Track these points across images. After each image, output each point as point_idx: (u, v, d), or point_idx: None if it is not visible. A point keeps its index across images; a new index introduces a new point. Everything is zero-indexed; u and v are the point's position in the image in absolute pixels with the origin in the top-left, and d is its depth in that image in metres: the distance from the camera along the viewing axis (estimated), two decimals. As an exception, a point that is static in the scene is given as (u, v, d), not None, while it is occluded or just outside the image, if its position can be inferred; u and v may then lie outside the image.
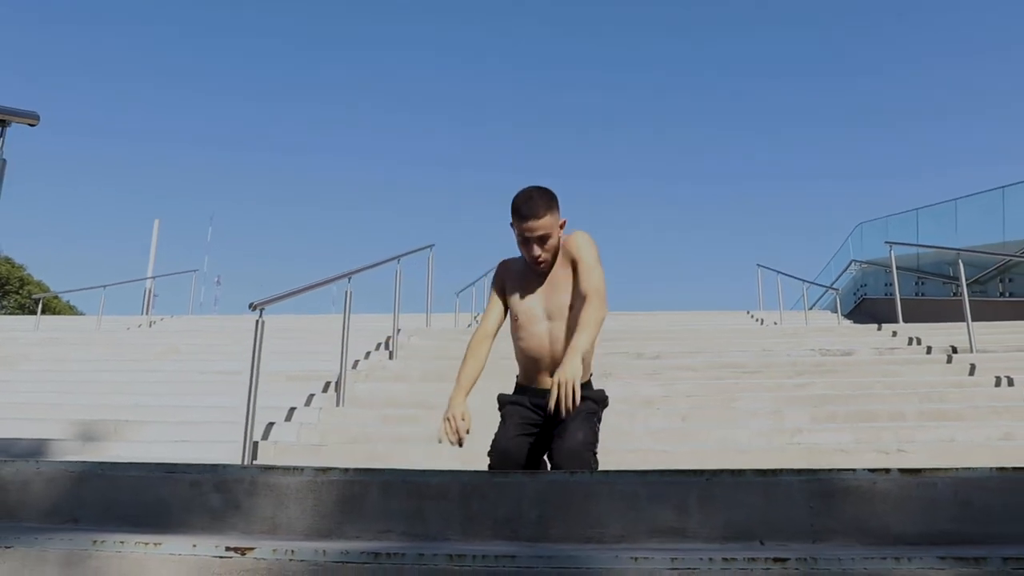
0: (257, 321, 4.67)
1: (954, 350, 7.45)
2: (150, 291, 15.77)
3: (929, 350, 7.54)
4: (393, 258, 7.57)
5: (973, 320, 7.94)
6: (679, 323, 12.62)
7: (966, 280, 9.46)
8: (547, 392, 2.87)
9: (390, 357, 7.48)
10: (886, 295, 13.32)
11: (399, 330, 8.27)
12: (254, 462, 4.57)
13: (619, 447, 4.84)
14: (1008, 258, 10.04)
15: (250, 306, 4.69)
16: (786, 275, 13.69)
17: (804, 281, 13.47)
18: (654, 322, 12.59)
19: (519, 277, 3.24)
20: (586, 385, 3.25)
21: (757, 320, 13.47)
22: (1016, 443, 4.89)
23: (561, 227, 3.13)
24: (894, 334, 8.40)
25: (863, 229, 15.20)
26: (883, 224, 14.37)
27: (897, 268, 12.69)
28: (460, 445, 3.09)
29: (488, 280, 13.01)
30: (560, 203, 3.13)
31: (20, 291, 30.45)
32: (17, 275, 31.17)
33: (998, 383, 6.29)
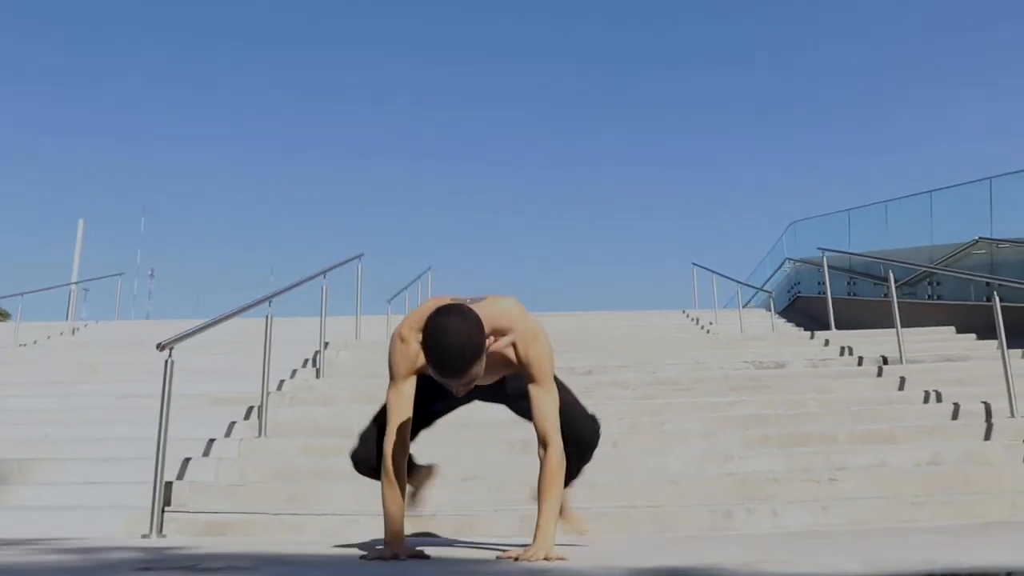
0: (166, 362, 4.44)
1: (885, 361, 7.50)
2: (73, 295, 15.23)
3: (861, 361, 7.57)
4: (319, 273, 7.35)
5: (904, 322, 8.02)
6: (614, 326, 12.59)
7: (896, 282, 9.58)
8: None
9: (317, 376, 7.28)
10: (819, 294, 13.44)
11: (327, 344, 8.07)
12: (166, 508, 4.33)
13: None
14: (932, 270, 10.14)
15: (158, 346, 4.46)
16: (720, 275, 13.76)
17: (738, 282, 13.54)
18: (589, 326, 12.54)
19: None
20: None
21: (693, 320, 13.51)
22: (943, 468, 4.89)
23: (489, 345, 2.74)
24: (826, 343, 8.45)
25: (796, 228, 15.35)
26: (816, 223, 14.53)
27: (830, 268, 12.83)
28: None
29: (420, 284, 12.89)
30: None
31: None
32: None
33: (926, 399, 6.33)
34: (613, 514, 4.18)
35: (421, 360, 2.79)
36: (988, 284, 6.47)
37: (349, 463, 4.99)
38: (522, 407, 3.07)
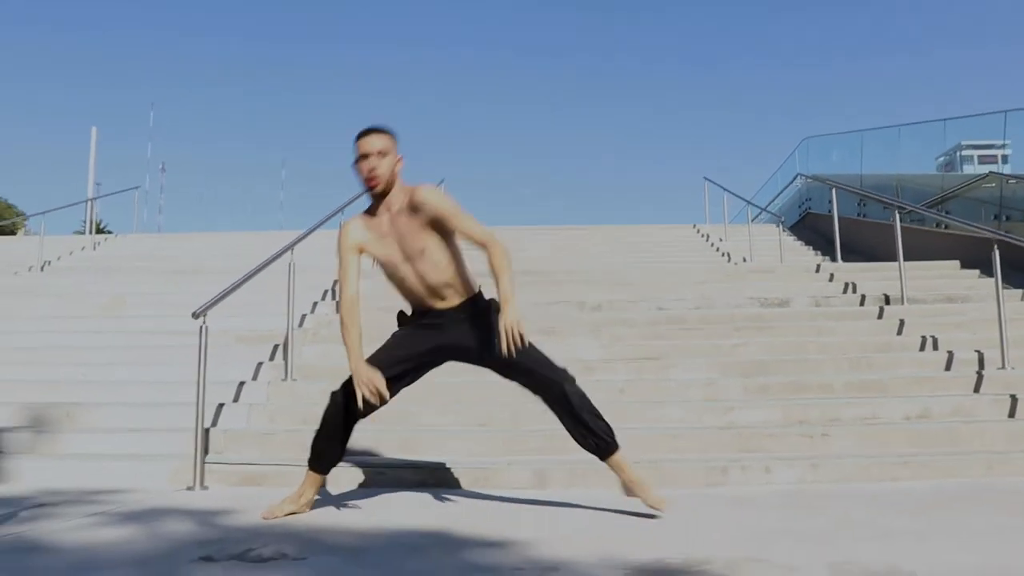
0: (200, 328, 4.70)
1: (887, 300, 7.73)
2: (91, 209, 15.50)
3: (863, 300, 7.81)
4: (336, 211, 7.57)
5: (911, 250, 8.21)
6: (627, 244, 12.83)
7: (902, 210, 9.73)
8: (440, 311, 3.60)
9: (336, 309, 7.55)
10: (829, 212, 13.57)
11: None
12: (205, 460, 4.67)
13: (555, 428, 5.05)
14: (942, 194, 10.27)
15: (193, 315, 4.72)
16: (731, 192, 13.89)
17: (747, 202, 13.65)
18: (599, 241, 12.78)
19: (366, 232, 3.58)
20: (479, 298, 3.70)
21: (703, 236, 13.74)
22: (930, 424, 5.19)
23: (398, 162, 3.53)
24: (831, 278, 8.66)
25: (809, 144, 15.37)
26: (829, 141, 14.53)
27: (840, 188, 12.93)
28: (383, 401, 3.50)
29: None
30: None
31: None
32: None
33: (923, 345, 6.58)
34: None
35: (356, 236, 3.57)
36: (991, 236, 6.58)
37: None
38: (511, 374, 3.67)
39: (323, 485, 3.91)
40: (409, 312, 3.80)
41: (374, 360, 3.59)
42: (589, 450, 3.68)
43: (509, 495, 4.25)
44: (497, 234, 3.57)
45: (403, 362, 3.66)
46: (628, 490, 3.66)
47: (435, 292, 3.61)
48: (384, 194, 3.55)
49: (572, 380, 3.67)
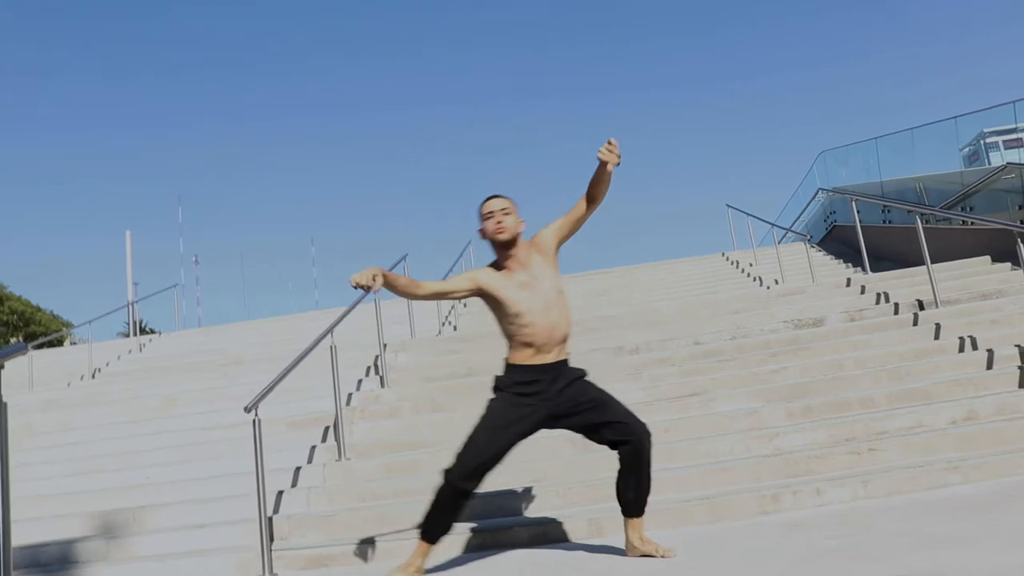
0: (254, 421, 4.88)
1: (920, 306, 7.76)
2: (133, 312, 15.96)
3: (896, 309, 7.84)
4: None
5: (939, 250, 8.24)
6: (656, 279, 12.95)
7: (931, 205, 9.77)
8: (552, 364, 3.74)
9: (381, 384, 7.74)
10: (855, 223, 13.61)
11: (385, 345, 8.55)
12: (273, 545, 4.82)
13: (608, 476, 5.15)
14: (963, 191, 10.31)
15: (245, 409, 4.90)
16: (755, 217, 14.00)
17: (771, 224, 13.75)
18: (630, 282, 12.89)
19: (494, 275, 3.82)
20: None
21: (732, 263, 13.82)
22: (976, 426, 5.21)
23: (520, 222, 3.83)
24: (862, 290, 8.70)
25: (826, 157, 15.43)
26: (844, 152, 14.60)
27: (862, 197, 12.97)
28: (367, 291, 3.68)
29: (465, 261, 13.32)
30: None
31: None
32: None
33: (961, 347, 6.61)
34: (671, 509, 4.56)
35: (480, 274, 3.83)
36: (1014, 229, 6.63)
37: (427, 481, 5.48)
38: (600, 428, 3.81)
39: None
40: (517, 372, 3.83)
41: (485, 442, 3.74)
42: (627, 504, 3.85)
43: (569, 546, 4.35)
44: None
45: (510, 446, 3.79)
46: (636, 546, 3.82)
47: (562, 341, 3.82)
48: (511, 245, 3.80)
49: (649, 434, 3.83)
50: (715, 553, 3.69)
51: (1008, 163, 9.86)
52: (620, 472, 3.83)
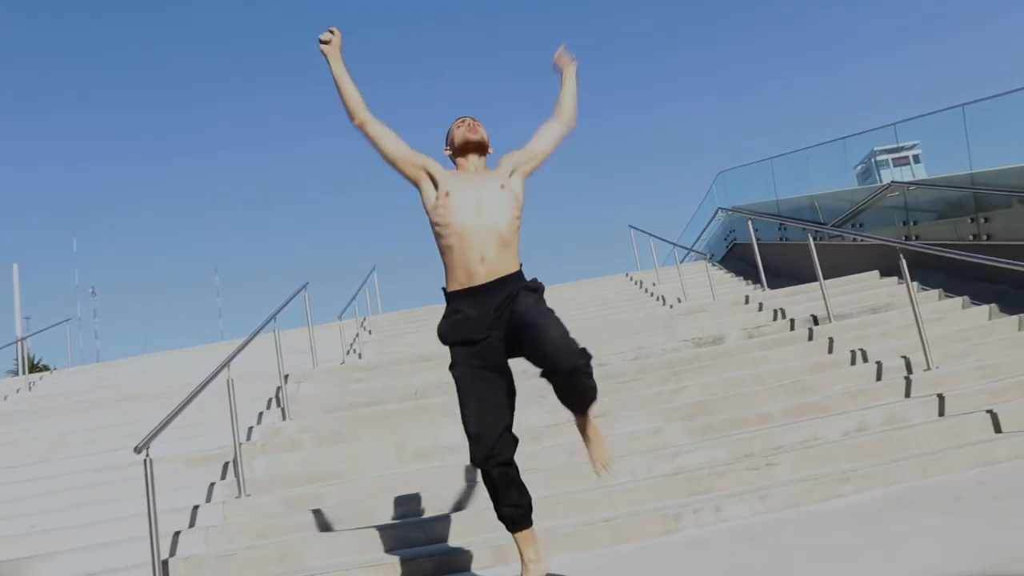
0: (145, 461, 4.71)
1: (815, 321, 7.99)
2: (22, 348, 15.32)
3: (792, 324, 8.05)
4: (269, 319, 7.63)
5: (833, 265, 8.53)
6: (561, 300, 13.02)
7: (825, 223, 10.11)
8: (488, 286, 3.44)
9: (283, 416, 7.58)
10: (756, 239, 13.99)
11: (287, 376, 8.40)
12: (166, 590, 4.65)
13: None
14: (852, 209, 10.71)
15: (135, 449, 4.72)
16: (656, 237, 14.26)
17: (673, 244, 14.01)
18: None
19: (446, 173, 3.70)
20: (519, 275, 3.57)
21: (636, 283, 14.02)
22: (867, 436, 5.37)
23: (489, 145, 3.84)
24: (760, 307, 8.91)
25: (724, 177, 15.83)
26: (742, 172, 15.01)
27: (760, 214, 13.33)
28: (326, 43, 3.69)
29: (369, 287, 13.17)
30: None
31: None
32: None
33: (853, 360, 6.83)
34: (575, 533, 4.55)
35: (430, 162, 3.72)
36: (896, 245, 6.90)
37: (326, 516, 5.38)
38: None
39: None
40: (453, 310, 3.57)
41: (472, 408, 3.48)
42: (576, 411, 3.66)
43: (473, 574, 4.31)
44: None
45: (498, 395, 3.53)
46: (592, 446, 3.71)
47: (497, 260, 3.51)
48: (476, 150, 3.77)
49: (580, 367, 3.39)
50: (616, 576, 3.70)
51: (892, 181, 10.27)
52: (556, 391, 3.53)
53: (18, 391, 12.77)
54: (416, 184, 3.72)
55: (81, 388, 12.07)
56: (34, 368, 21.79)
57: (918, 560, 3.12)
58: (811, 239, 8.44)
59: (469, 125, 3.78)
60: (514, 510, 3.54)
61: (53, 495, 6.53)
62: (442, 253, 3.61)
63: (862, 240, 10.37)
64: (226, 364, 6.27)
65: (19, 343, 16.08)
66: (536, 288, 3.55)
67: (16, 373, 16.80)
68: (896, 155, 12.70)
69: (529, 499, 3.59)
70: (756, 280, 12.09)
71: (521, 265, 3.64)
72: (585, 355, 3.33)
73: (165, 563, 4.98)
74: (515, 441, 3.55)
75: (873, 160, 13.78)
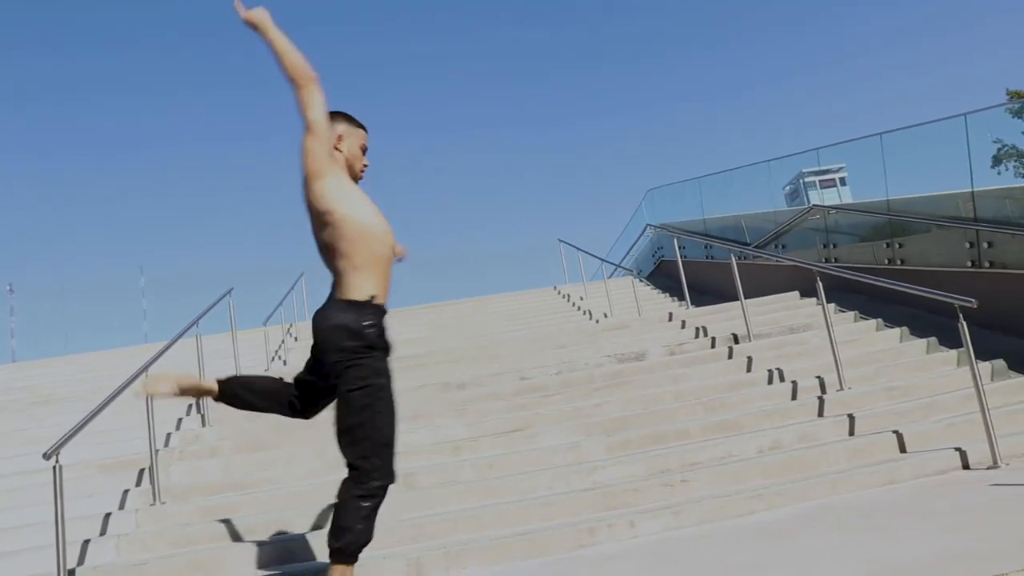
0: (54, 468, 4.60)
1: (736, 339, 8.16)
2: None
3: (714, 343, 8.21)
4: (191, 325, 7.54)
5: (756, 284, 8.75)
6: (488, 312, 13.11)
7: (750, 243, 10.36)
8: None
9: (203, 423, 7.47)
10: (683, 257, 14.24)
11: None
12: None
13: (428, 514, 5.15)
14: (776, 230, 11.00)
15: (44, 456, 4.62)
16: (585, 252, 14.43)
17: (600, 259, 14.24)
18: (463, 315, 12.99)
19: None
20: (346, 325, 3.37)
21: (564, 296, 14.16)
22: (781, 454, 5.53)
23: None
24: (683, 325, 9.07)
25: (653, 195, 16.08)
26: (671, 190, 15.26)
27: (688, 232, 13.58)
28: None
29: (296, 294, 13.06)
30: None
31: None
32: None
33: (770, 379, 7.00)
34: (491, 546, 4.57)
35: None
36: (812, 268, 7.11)
37: (242, 523, 5.31)
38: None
39: None
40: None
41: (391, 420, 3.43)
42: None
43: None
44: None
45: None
46: None
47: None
48: None
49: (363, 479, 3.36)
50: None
51: (814, 205, 10.57)
52: None
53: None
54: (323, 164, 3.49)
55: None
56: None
57: (823, 574, 3.22)
58: (733, 259, 8.64)
59: (366, 165, 3.73)
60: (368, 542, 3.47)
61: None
62: (366, 257, 3.44)
63: (778, 261, 10.64)
64: (144, 370, 6.17)
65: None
66: None
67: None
68: (823, 177, 13.10)
69: None
70: (682, 297, 12.30)
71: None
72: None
73: (72, 572, 4.87)
74: None
75: (801, 181, 14.18)
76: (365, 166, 3.71)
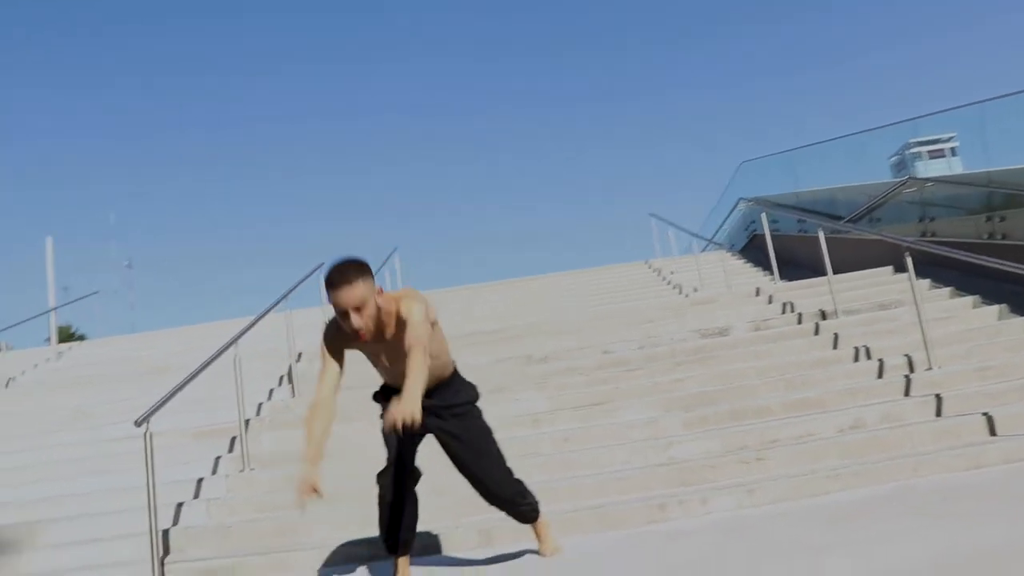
0: (145, 434, 4.85)
1: (823, 315, 7.99)
2: (53, 320, 15.65)
3: (800, 319, 8.06)
4: (280, 299, 7.78)
5: (848, 260, 8.53)
6: (578, 287, 13.11)
7: (844, 216, 10.11)
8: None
9: (292, 394, 7.72)
10: (774, 231, 13.93)
11: (300, 354, 8.56)
12: (165, 559, 4.81)
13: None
14: (869, 204, 10.68)
15: (135, 423, 4.87)
16: (676, 226, 14.27)
17: (691, 234, 14.06)
18: (553, 289, 13.03)
19: (347, 338, 3.61)
20: (453, 382, 3.97)
21: (655, 271, 14.04)
22: (862, 433, 5.41)
23: (378, 294, 3.50)
24: (770, 300, 8.93)
25: (747, 168, 15.77)
26: (764, 163, 14.93)
27: (781, 206, 13.29)
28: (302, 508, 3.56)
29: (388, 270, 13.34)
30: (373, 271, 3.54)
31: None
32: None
33: (857, 356, 6.83)
34: (562, 519, 4.63)
35: (338, 341, 3.67)
36: (900, 243, 6.89)
37: (328, 489, 5.48)
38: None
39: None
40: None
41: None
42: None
43: (454, 557, 4.43)
44: (425, 342, 3.55)
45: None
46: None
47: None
48: None
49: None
50: (587, 563, 3.79)
51: (910, 177, 10.21)
52: None
53: (47, 360, 13.06)
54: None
55: (107, 360, 12.31)
56: (71, 338, 22.21)
57: (888, 559, 3.17)
58: (821, 233, 8.44)
59: (354, 330, 3.50)
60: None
61: (69, 463, 6.72)
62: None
63: (864, 236, 10.33)
64: (233, 342, 6.43)
65: (51, 313, 16.38)
66: None
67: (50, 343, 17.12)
68: (931, 148, 12.60)
69: None
70: (774, 271, 12.07)
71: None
72: None
73: (166, 532, 5.15)
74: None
75: (907, 152, 13.67)
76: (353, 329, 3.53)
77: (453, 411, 3.92)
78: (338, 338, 3.66)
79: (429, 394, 3.78)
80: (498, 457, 3.96)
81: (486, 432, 3.97)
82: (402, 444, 3.88)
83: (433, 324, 3.71)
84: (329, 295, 3.42)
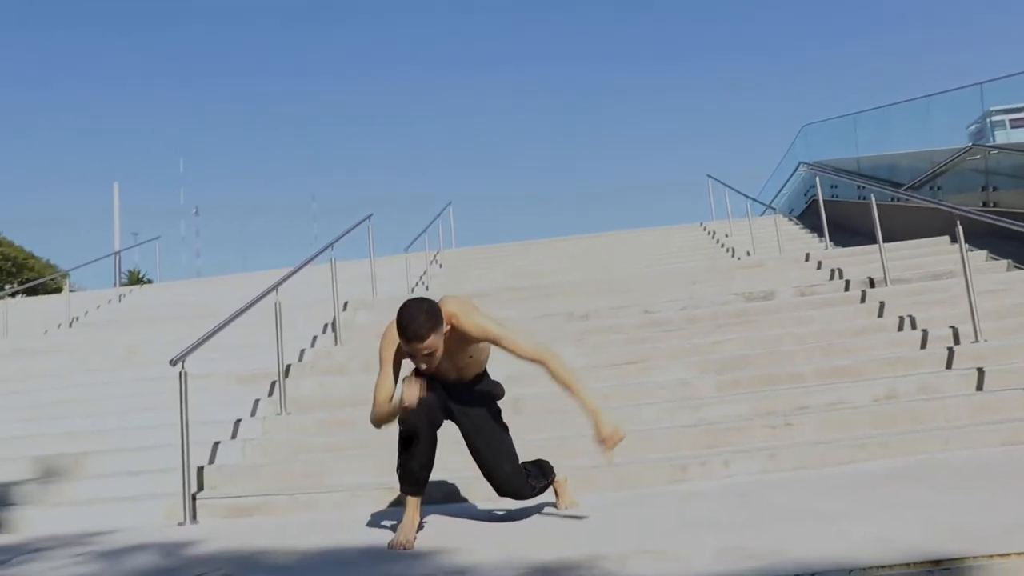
0: (180, 374, 5.00)
1: (872, 283, 7.85)
2: (118, 261, 16.14)
3: (848, 285, 7.93)
4: (326, 247, 7.90)
5: (906, 229, 8.31)
6: (631, 246, 13.06)
7: (903, 186, 9.85)
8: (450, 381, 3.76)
9: (335, 342, 7.86)
10: (833, 197, 13.66)
11: (346, 303, 8.70)
12: (198, 495, 4.98)
13: (534, 439, 5.27)
14: (931, 171, 10.38)
15: (171, 362, 5.01)
16: (732, 189, 14.06)
17: (748, 197, 13.88)
18: (607, 248, 13.01)
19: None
20: (483, 379, 3.94)
21: (709, 233, 13.94)
22: (895, 404, 5.33)
23: (447, 333, 3.55)
24: (819, 265, 8.79)
25: (808, 131, 15.44)
26: (826, 127, 14.61)
27: (840, 171, 12.99)
28: (417, 405, 3.53)
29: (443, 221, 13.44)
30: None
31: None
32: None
33: (901, 325, 6.71)
34: (581, 476, 4.65)
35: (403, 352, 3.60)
36: (952, 211, 6.70)
37: (355, 437, 5.61)
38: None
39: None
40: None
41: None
42: None
43: (468, 507, 4.51)
44: (550, 347, 3.77)
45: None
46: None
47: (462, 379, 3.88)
48: None
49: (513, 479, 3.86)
50: (597, 516, 3.84)
51: (973, 144, 9.90)
52: None
53: (109, 302, 13.51)
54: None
55: (166, 303, 12.69)
56: (139, 282, 22.87)
57: (902, 530, 3.12)
58: (873, 199, 8.27)
59: (421, 363, 3.62)
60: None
61: (118, 399, 6.98)
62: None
63: (920, 203, 10.06)
64: (273, 288, 6.55)
65: (116, 256, 16.92)
66: None
67: (122, 284, 17.69)
68: (1013, 116, 12.16)
69: None
70: (834, 238, 11.85)
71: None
72: None
73: (200, 470, 5.33)
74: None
75: (988, 120, 13.21)
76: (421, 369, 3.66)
77: (477, 401, 3.91)
78: (400, 352, 3.67)
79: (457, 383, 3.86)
80: (509, 452, 3.89)
81: (502, 429, 3.95)
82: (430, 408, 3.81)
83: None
84: (401, 340, 3.49)
